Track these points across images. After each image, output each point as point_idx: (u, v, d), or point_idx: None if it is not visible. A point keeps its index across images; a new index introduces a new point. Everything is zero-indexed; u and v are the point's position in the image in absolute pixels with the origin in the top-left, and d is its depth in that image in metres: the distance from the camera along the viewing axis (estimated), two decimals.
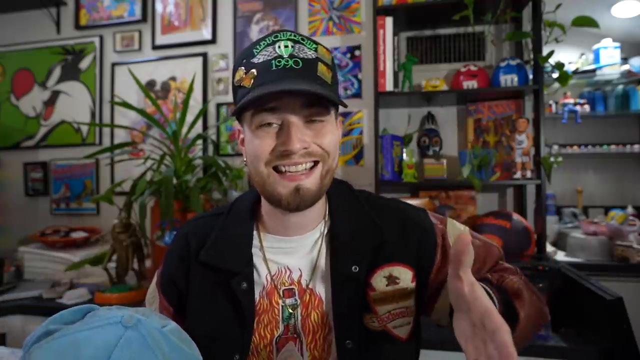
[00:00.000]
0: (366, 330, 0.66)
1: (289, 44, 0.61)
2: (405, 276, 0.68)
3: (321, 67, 0.61)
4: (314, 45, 0.62)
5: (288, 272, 0.69)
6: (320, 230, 0.71)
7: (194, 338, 0.68)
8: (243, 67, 0.62)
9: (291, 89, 0.57)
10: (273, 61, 0.59)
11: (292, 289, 0.69)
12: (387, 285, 0.67)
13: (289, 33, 0.62)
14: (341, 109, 0.69)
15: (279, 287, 0.69)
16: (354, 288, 0.66)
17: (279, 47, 0.60)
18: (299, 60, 0.60)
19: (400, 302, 0.68)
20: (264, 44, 0.61)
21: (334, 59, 0.65)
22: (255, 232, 0.72)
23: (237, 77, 0.63)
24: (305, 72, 0.59)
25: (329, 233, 0.70)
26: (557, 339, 1.22)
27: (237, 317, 0.67)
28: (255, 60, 0.61)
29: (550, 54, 1.62)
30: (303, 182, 0.62)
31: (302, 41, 0.62)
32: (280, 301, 0.68)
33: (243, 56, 0.64)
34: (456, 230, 0.74)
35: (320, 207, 0.71)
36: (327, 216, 0.72)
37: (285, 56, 0.60)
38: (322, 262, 0.69)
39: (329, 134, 0.63)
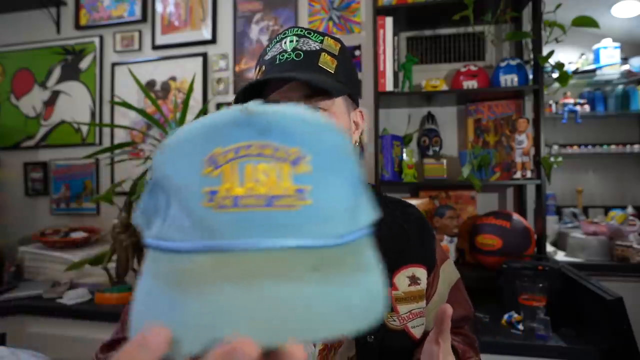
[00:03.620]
0: (385, 327, 0.68)
1: (294, 38, 0.63)
2: (423, 277, 0.71)
3: (324, 57, 0.63)
4: (320, 38, 0.64)
5: None
6: None
7: None
8: (258, 66, 0.67)
9: (267, 77, 0.58)
10: (278, 56, 0.62)
11: None
12: (409, 285, 0.69)
13: (296, 29, 0.65)
14: None
15: None
16: None
17: (285, 42, 0.63)
18: (301, 52, 0.62)
19: (420, 302, 0.70)
20: (274, 41, 0.65)
21: (344, 50, 0.66)
22: None
23: (255, 76, 0.67)
24: (305, 63, 0.61)
25: None
26: (557, 339, 1.22)
27: None
28: (266, 57, 0.65)
29: (550, 54, 1.62)
30: None
31: (307, 35, 0.64)
32: None
33: (260, 55, 0.67)
34: (449, 272, 0.77)
35: None
36: None
37: (288, 50, 0.62)
38: None
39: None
